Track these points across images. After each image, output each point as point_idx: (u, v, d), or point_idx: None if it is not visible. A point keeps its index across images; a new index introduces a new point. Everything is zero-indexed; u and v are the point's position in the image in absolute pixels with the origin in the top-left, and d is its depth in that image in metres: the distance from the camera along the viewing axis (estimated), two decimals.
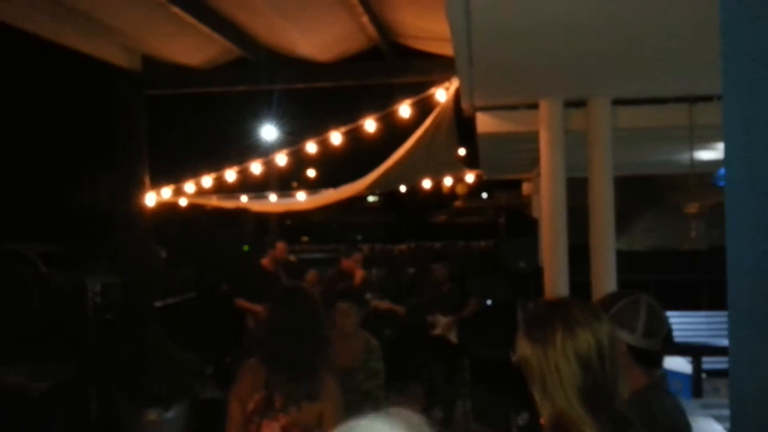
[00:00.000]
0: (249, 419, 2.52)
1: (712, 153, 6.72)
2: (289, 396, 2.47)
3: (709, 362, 4.59)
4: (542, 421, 1.71)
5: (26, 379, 5.12)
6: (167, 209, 8.97)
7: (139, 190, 7.51)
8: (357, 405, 3.02)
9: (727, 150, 1.18)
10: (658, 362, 1.78)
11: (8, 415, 4.93)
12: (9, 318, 6.18)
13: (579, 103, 5.50)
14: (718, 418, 3.22)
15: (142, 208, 7.51)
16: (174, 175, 8.77)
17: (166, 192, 8.46)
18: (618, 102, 5.44)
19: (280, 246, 7.06)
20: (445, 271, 6.62)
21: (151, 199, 7.77)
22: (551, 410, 1.47)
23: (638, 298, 1.79)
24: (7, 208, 19.47)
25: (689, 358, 4.31)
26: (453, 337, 6.34)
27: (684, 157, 6.52)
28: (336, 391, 2.57)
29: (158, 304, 7.25)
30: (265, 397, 2.50)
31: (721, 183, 1.25)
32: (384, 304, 6.39)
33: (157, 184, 8.18)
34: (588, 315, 1.47)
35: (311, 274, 7.22)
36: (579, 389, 1.42)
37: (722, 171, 1.23)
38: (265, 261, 6.98)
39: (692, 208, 7.88)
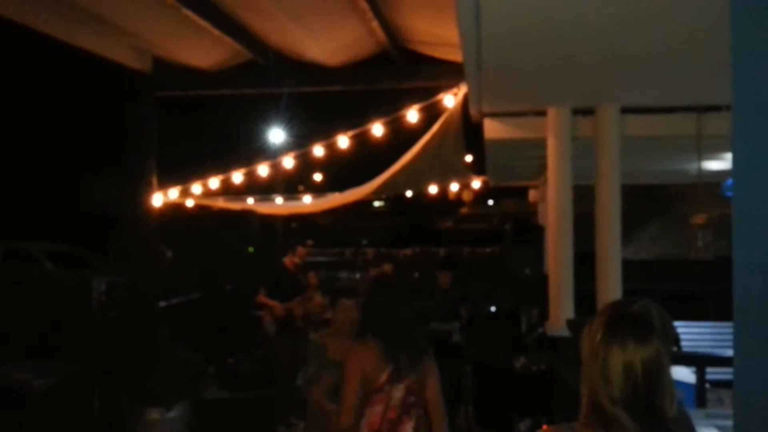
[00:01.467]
0: (379, 389, 3.06)
1: (720, 163, 6.71)
2: (410, 361, 3.07)
3: (714, 373, 4.57)
4: (544, 427, 1.75)
5: (30, 376, 5.13)
6: (174, 210, 8.99)
7: (147, 190, 7.53)
8: None
9: (734, 160, 1.18)
10: None
11: (12, 411, 4.95)
12: (14, 315, 6.20)
13: (587, 111, 5.50)
14: (722, 429, 3.21)
15: (149, 209, 7.53)
16: (181, 176, 8.80)
17: (173, 193, 8.49)
18: (626, 110, 5.44)
19: (301, 251, 7.35)
20: (450, 280, 6.61)
21: (158, 200, 7.80)
22: (586, 395, 1.59)
23: (648, 302, 1.82)
24: (15, 207, 19.57)
25: (693, 368, 4.29)
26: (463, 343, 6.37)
27: (692, 166, 6.51)
28: (430, 349, 3.21)
29: (163, 303, 7.27)
30: (394, 368, 3.06)
31: (729, 193, 1.25)
32: None
33: (164, 184, 8.20)
34: (629, 336, 1.56)
35: (311, 276, 7.27)
36: (607, 394, 1.54)
37: (730, 181, 1.23)
38: (288, 262, 7.15)
39: (699, 218, 7.85)
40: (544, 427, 1.74)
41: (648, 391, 1.52)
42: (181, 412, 5.26)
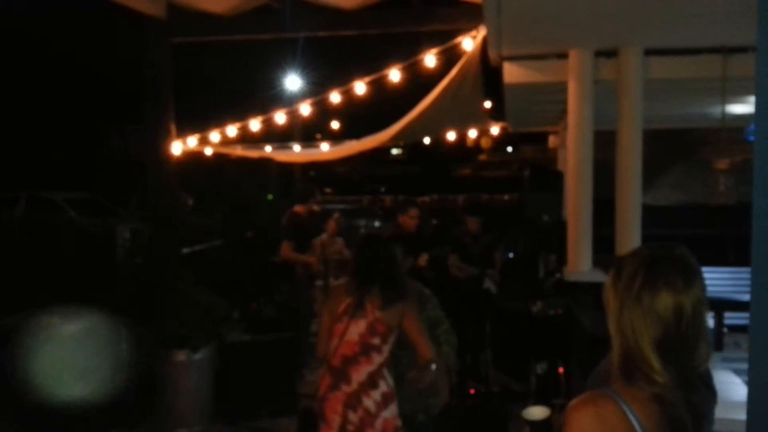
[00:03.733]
0: (338, 319, 3.18)
1: (744, 107, 6.55)
2: (380, 300, 3.17)
3: (732, 317, 4.60)
4: (560, 369, 1.73)
5: (59, 321, 5.29)
6: (193, 158, 9.04)
7: (166, 138, 7.54)
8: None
9: (758, 103, 1.16)
10: None
11: (41, 354, 5.12)
12: (41, 263, 6.36)
13: (610, 53, 5.37)
14: (738, 372, 3.25)
15: (168, 157, 7.57)
16: (199, 124, 8.81)
17: (192, 141, 8.52)
18: (650, 52, 5.30)
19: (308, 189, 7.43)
20: (479, 226, 6.63)
21: (177, 148, 7.83)
22: (622, 345, 1.48)
23: (682, 246, 1.74)
24: (38, 156, 19.78)
25: (711, 313, 4.32)
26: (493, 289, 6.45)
27: (716, 110, 6.38)
28: (413, 296, 3.33)
29: (186, 250, 7.39)
30: (354, 301, 3.18)
31: (752, 138, 1.23)
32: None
33: (182, 133, 8.22)
34: (678, 278, 1.47)
35: (330, 222, 7.33)
36: (651, 339, 1.44)
37: (753, 125, 1.20)
38: (298, 209, 7.22)
39: (722, 163, 7.73)
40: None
41: (692, 337, 1.45)
42: (206, 355, 5.43)
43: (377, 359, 3.13)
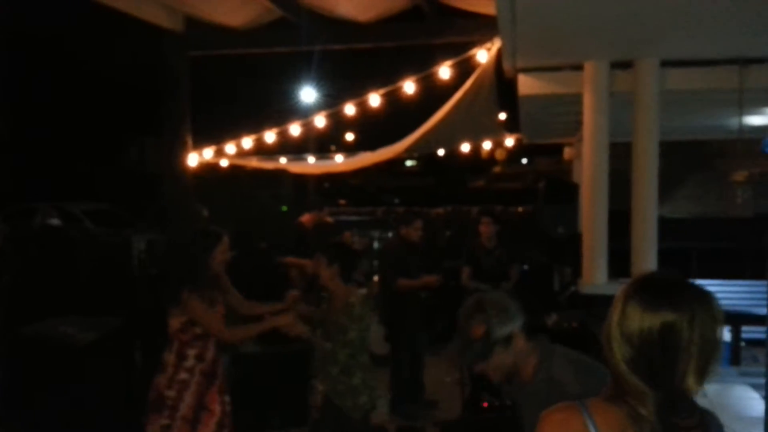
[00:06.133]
0: None
1: (761, 118, 6.51)
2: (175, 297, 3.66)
3: (749, 331, 4.54)
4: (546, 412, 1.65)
5: (75, 330, 5.32)
6: (209, 169, 9.12)
7: (183, 150, 7.63)
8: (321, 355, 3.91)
9: None
10: None
11: (57, 363, 5.16)
12: (58, 273, 6.41)
13: (626, 65, 5.36)
14: (755, 387, 3.20)
15: (185, 168, 7.65)
16: (215, 136, 8.89)
17: (208, 153, 8.60)
18: (666, 63, 5.28)
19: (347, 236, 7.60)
20: (491, 228, 6.52)
21: (193, 160, 7.91)
22: (612, 372, 1.48)
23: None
24: (55, 168, 20.04)
25: (729, 327, 4.27)
26: None
27: (732, 122, 6.33)
28: (192, 300, 3.61)
29: None
30: None
31: None
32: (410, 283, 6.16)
33: (199, 144, 8.30)
34: (662, 302, 1.44)
35: (346, 235, 7.33)
36: (630, 366, 1.43)
37: None
38: (305, 219, 7.22)
39: (740, 175, 7.66)
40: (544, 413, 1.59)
41: (674, 361, 1.41)
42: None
43: (188, 350, 3.65)
